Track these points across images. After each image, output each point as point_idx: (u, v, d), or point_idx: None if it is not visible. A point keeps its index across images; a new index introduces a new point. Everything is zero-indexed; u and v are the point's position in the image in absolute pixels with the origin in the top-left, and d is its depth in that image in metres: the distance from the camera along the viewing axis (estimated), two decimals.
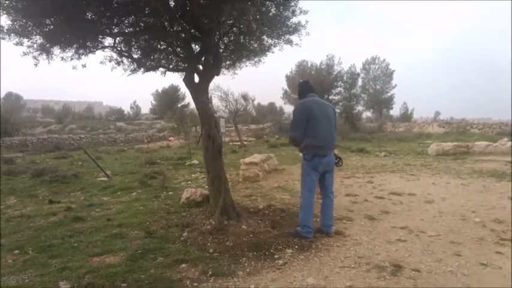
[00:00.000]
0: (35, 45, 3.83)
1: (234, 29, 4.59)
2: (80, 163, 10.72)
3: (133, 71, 4.85)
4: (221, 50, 4.80)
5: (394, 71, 38.23)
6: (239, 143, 17.25)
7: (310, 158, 3.64)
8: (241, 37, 4.80)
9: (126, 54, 4.61)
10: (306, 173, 3.71)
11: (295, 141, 3.76)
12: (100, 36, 4.19)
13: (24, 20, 3.55)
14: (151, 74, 4.95)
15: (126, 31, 4.27)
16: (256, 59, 5.30)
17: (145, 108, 43.48)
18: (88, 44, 4.16)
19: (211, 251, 3.34)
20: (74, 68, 4.20)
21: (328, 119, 3.72)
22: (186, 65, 4.73)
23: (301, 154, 3.80)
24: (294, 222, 4.05)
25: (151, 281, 2.75)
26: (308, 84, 4.01)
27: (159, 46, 4.87)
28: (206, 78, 4.46)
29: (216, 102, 18.22)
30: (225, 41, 4.94)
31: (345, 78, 35.98)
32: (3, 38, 3.58)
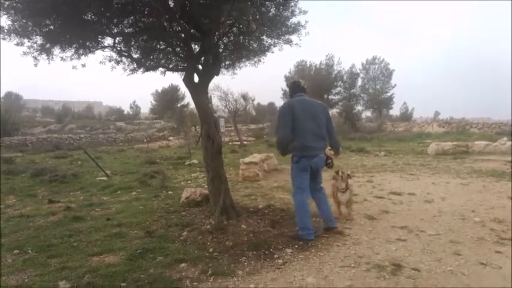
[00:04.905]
0: (35, 45, 3.83)
1: (234, 29, 4.59)
2: (80, 163, 10.73)
3: (133, 70, 4.85)
4: (221, 50, 4.80)
5: (393, 70, 38.24)
6: (239, 142, 17.25)
7: (297, 159, 3.58)
8: (241, 37, 4.80)
9: (126, 54, 4.61)
10: (295, 175, 3.65)
11: (282, 143, 3.58)
12: (100, 36, 4.19)
13: (24, 20, 3.55)
14: (151, 73, 4.96)
15: (126, 31, 4.27)
16: (255, 59, 5.30)
17: (145, 108, 43.60)
18: (88, 44, 4.16)
19: (210, 250, 3.35)
20: (73, 67, 4.20)
21: (315, 118, 3.58)
22: (185, 65, 4.73)
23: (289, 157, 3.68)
24: (293, 221, 4.04)
25: (151, 280, 2.75)
26: (296, 84, 3.91)
27: (158, 46, 4.87)
28: (206, 78, 4.46)
29: (215, 102, 18.27)
30: (225, 41, 4.94)
31: (344, 78, 35.99)
32: (4, 39, 3.58)
